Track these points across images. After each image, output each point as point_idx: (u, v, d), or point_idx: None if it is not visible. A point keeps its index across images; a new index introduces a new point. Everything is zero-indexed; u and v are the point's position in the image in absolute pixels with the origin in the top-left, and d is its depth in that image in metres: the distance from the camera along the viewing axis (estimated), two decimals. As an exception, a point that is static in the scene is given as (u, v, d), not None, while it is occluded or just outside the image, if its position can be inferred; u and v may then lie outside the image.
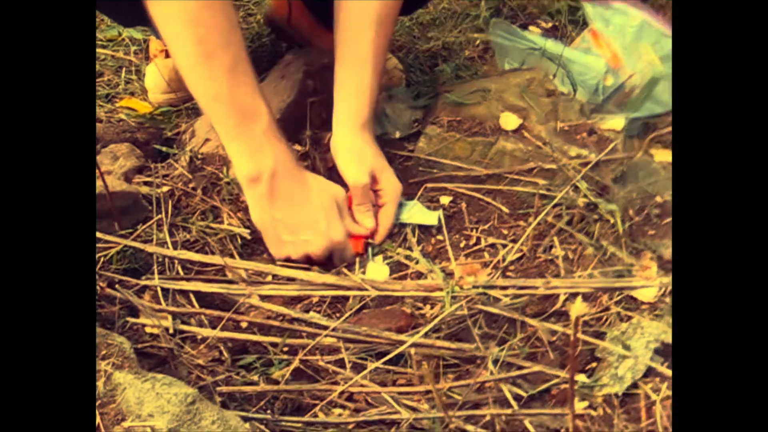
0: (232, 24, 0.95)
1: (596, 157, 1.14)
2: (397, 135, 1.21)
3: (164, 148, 1.22)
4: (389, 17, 1.10)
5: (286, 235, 1.00)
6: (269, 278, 0.99)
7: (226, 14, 0.94)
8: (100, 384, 0.70)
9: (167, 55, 1.38)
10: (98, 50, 1.55)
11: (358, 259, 1.04)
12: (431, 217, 1.10)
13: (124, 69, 1.51)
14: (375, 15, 1.08)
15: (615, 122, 1.29)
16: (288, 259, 1.02)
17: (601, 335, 0.95)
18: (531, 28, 1.68)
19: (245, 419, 0.78)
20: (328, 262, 1.02)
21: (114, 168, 1.06)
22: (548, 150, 1.14)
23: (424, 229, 1.10)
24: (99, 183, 0.99)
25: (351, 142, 1.09)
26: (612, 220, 1.09)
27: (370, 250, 1.06)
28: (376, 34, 1.08)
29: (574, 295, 0.97)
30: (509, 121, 1.18)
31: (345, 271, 0.99)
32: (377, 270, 1.02)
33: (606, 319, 0.98)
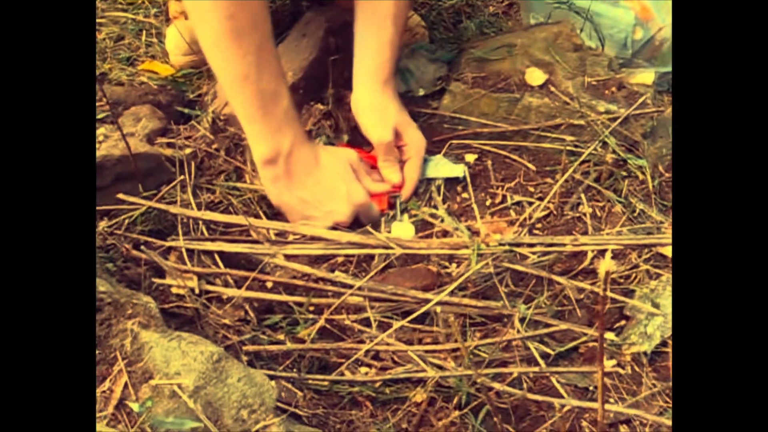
0: (261, 1, 0.93)
1: (625, 112, 1.11)
2: (421, 92, 1.19)
3: (186, 110, 1.21)
4: None
5: (310, 211, 1.00)
6: (294, 237, 0.99)
7: None
8: (127, 342, 0.71)
9: (187, 17, 1.36)
10: (118, 13, 1.54)
11: (383, 219, 1.03)
12: (457, 170, 1.08)
13: (144, 32, 1.49)
14: None
15: (645, 76, 1.25)
16: None
17: (630, 293, 0.94)
18: (557, -20, 1.63)
19: (272, 377, 0.78)
20: (356, 224, 1.01)
21: (136, 130, 1.06)
22: (576, 105, 1.11)
23: (450, 187, 1.08)
24: (122, 145, 0.99)
25: (373, 100, 1.07)
26: (641, 177, 1.06)
27: (398, 206, 1.05)
28: None
29: (602, 252, 0.95)
30: (535, 76, 1.15)
31: (370, 229, 0.98)
32: (403, 229, 1.01)
33: (635, 277, 0.97)
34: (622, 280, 0.97)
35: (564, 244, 0.94)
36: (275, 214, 1.06)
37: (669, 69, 1.40)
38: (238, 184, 1.08)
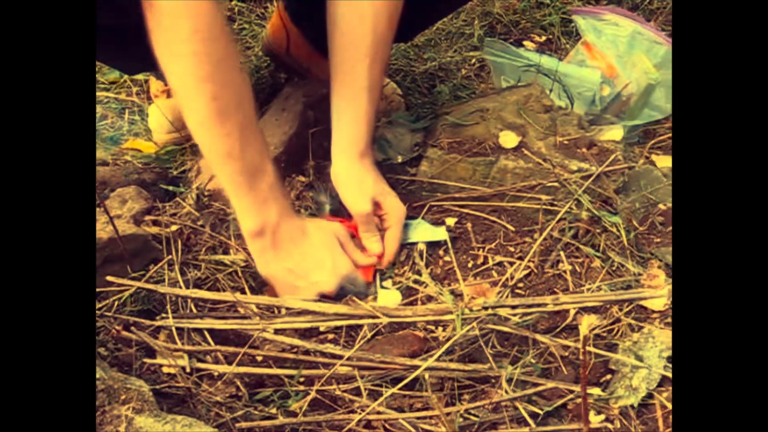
0: (244, 81, 0.97)
1: (597, 170, 1.15)
2: (399, 159, 1.22)
3: (171, 187, 1.23)
4: (384, 46, 1.11)
5: (296, 281, 1.02)
6: (282, 311, 1.01)
7: (238, 71, 0.96)
8: (122, 429, 0.71)
9: (168, 95, 1.40)
10: (100, 93, 1.58)
11: (374, 289, 1.05)
12: (438, 233, 1.11)
13: (127, 111, 1.53)
14: (370, 44, 1.09)
15: (614, 133, 1.30)
16: None
17: (613, 347, 0.96)
18: (525, 43, 1.70)
19: (266, 454, 0.79)
20: (342, 296, 1.03)
21: (123, 212, 1.08)
22: (549, 166, 1.15)
23: (432, 251, 1.11)
24: (109, 228, 1.01)
25: (351, 172, 1.11)
26: (616, 232, 1.10)
27: (378, 276, 1.07)
28: (371, 62, 1.10)
29: (584, 309, 0.98)
30: (509, 139, 1.19)
31: (356, 299, 1.00)
32: (388, 296, 1.03)
33: (617, 331, 0.99)
34: (605, 335, 0.99)
35: (545, 304, 0.96)
36: (261, 285, 1.07)
37: (637, 122, 1.45)
38: (224, 257, 1.10)
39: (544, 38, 1.73)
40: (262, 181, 1.00)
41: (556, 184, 1.13)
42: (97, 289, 1.00)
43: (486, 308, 0.93)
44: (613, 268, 1.07)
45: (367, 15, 1.08)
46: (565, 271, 1.06)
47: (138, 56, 0.96)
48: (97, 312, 0.98)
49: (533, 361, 0.94)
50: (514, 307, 0.96)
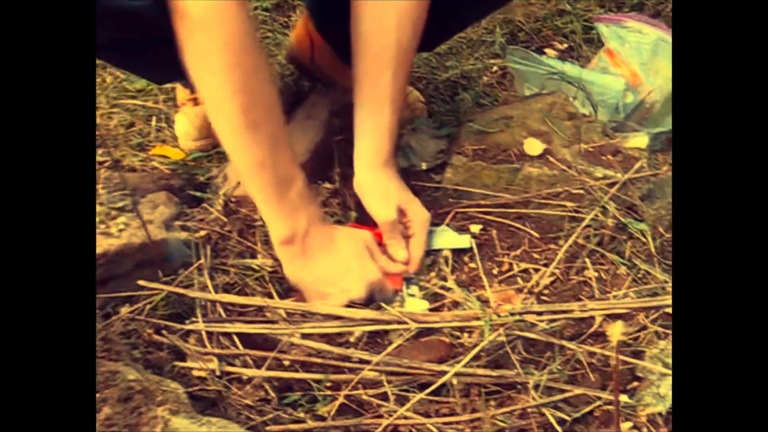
0: (274, 91, 0.98)
1: (622, 177, 1.15)
2: (424, 166, 1.23)
3: (198, 193, 1.25)
4: (407, 56, 1.12)
5: (325, 288, 1.03)
6: (310, 317, 1.02)
7: (268, 82, 0.97)
8: (158, 430, 0.73)
9: (195, 103, 1.42)
10: (128, 101, 1.61)
11: (402, 296, 1.06)
12: (463, 241, 1.11)
13: (154, 118, 1.55)
14: (393, 55, 1.10)
15: (638, 140, 1.30)
16: None
17: (640, 354, 0.96)
18: (547, 50, 1.70)
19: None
20: (370, 303, 1.04)
21: (154, 216, 1.10)
22: (574, 173, 1.16)
23: (457, 258, 1.12)
24: (141, 233, 1.03)
25: (374, 181, 1.12)
26: (643, 239, 1.10)
27: (404, 283, 1.08)
28: (394, 72, 1.11)
29: (610, 316, 0.98)
30: (533, 146, 1.20)
31: (384, 305, 1.01)
32: (415, 302, 1.04)
33: (644, 338, 0.99)
34: (631, 342, 0.99)
35: (572, 310, 0.96)
36: (288, 290, 1.09)
37: (661, 130, 1.45)
38: (251, 262, 1.11)
39: (565, 46, 1.74)
40: (292, 190, 1.01)
41: (581, 191, 1.14)
42: (129, 293, 1.02)
43: (513, 314, 0.94)
44: (639, 276, 1.07)
45: (390, 26, 1.10)
46: (590, 278, 1.06)
47: (166, 67, 0.98)
48: (129, 315, 1.00)
49: (560, 367, 0.94)
50: (540, 313, 0.96)
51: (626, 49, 1.54)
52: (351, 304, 1.02)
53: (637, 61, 1.52)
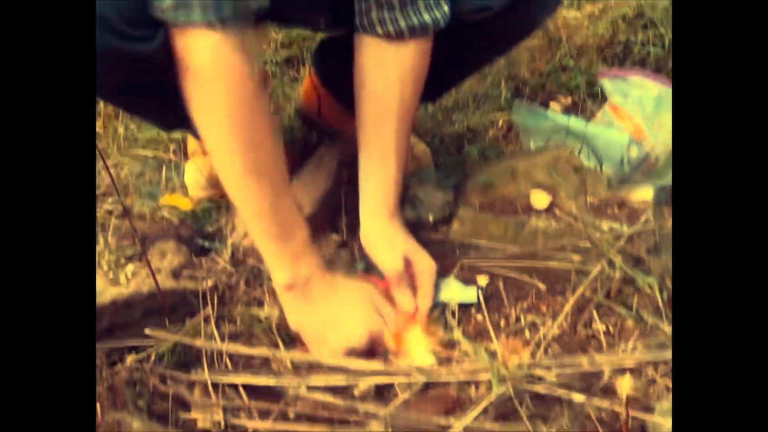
0: (277, 141, 1.00)
1: (628, 230, 1.16)
2: (431, 218, 1.24)
3: (207, 243, 1.26)
4: (410, 109, 1.15)
5: (326, 333, 1.03)
6: (316, 368, 1.01)
7: (272, 133, 0.99)
8: (163, 483, 0.72)
9: (205, 153, 1.44)
10: (139, 150, 1.63)
11: (406, 348, 1.06)
12: (469, 294, 1.11)
13: (164, 167, 1.57)
14: (396, 108, 1.13)
15: (644, 192, 1.31)
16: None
17: (649, 409, 0.95)
18: (552, 105, 1.73)
19: None
20: (370, 353, 1.03)
21: (163, 266, 1.11)
22: (580, 226, 1.16)
23: (464, 310, 1.11)
24: (150, 281, 1.03)
25: (381, 232, 1.13)
26: (650, 292, 1.10)
27: (411, 333, 1.07)
28: (398, 125, 1.13)
29: (618, 370, 0.97)
30: (540, 199, 1.21)
31: (390, 357, 1.00)
32: (422, 355, 1.03)
33: (654, 392, 0.98)
34: (641, 397, 0.98)
35: (580, 364, 0.96)
36: (294, 341, 1.08)
37: (666, 183, 1.47)
38: (258, 311, 1.11)
39: (570, 100, 1.77)
40: (294, 237, 1.02)
41: (587, 244, 1.14)
42: (136, 343, 1.02)
43: (521, 368, 0.93)
44: (647, 329, 1.06)
45: (393, 79, 1.12)
46: (598, 331, 1.06)
47: (174, 112, 0.99)
48: (135, 364, 1.00)
49: (568, 422, 0.93)
50: (548, 367, 0.96)
51: (630, 104, 1.56)
52: (352, 352, 1.01)
53: (641, 115, 1.54)
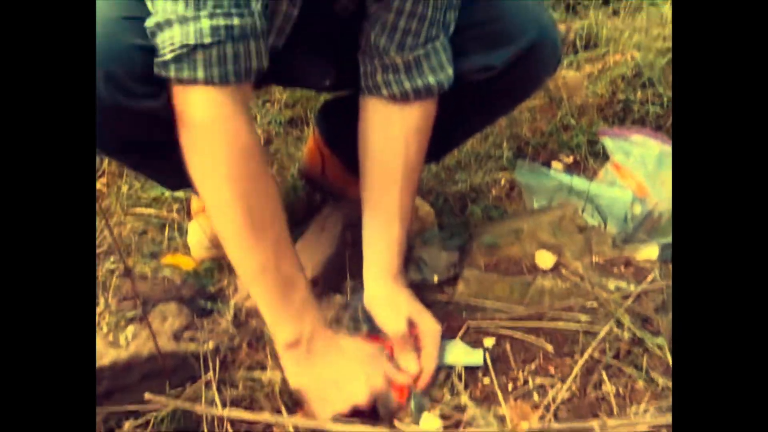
0: (276, 197, 0.99)
1: (635, 290, 1.15)
2: (436, 279, 1.23)
3: (209, 304, 1.24)
4: (414, 171, 1.15)
5: (328, 392, 1.01)
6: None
7: (271, 188, 0.99)
8: None
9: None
10: (142, 209, 1.63)
11: (409, 410, 1.03)
12: (476, 356, 1.09)
13: (167, 226, 1.57)
14: (400, 170, 1.13)
15: (649, 251, 1.31)
16: (335, 416, 1.01)
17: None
18: (554, 164, 1.74)
19: None
20: (373, 413, 1.01)
21: (164, 328, 1.09)
22: (587, 285, 1.15)
23: (471, 373, 1.09)
24: (150, 344, 1.01)
25: (384, 294, 1.12)
26: (659, 353, 1.08)
27: (413, 396, 1.05)
28: (402, 187, 1.13)
29: (631, 435, 0.95)
30: (545, 259, 1.20)
31: (397, 423, 0.98)
32: (429, 420, 1.01)
33: (667, 457, 0.95)
34: (654, 461, 0.95)
35: (591, 428, 0.93)
36: (297, 405, 1.06)
37: (670, 240, 1.46)
38: (261, 375, 1.09)
39: (571, 159, 1.78)
40: (296, 293, 1.00)
41: (595, 304, 1.13)
42: (135, 407, 0.99)
43: (531, 433, 0.91)
44: (659, 390, 1.04)
45: (397, 142, 1.13)
46: (608, 393, 1.04)
47: (180, 171, 0.99)
48: (133, 430, 0.97)
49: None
50: (558, 431, 0.93)
51: (632, 162, 1.57)
52: (355, 411, 0.99)
53: (643, 173, 1.55)
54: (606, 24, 2.26)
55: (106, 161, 1.74)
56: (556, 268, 1.19)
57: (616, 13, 2.44)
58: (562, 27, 2.22)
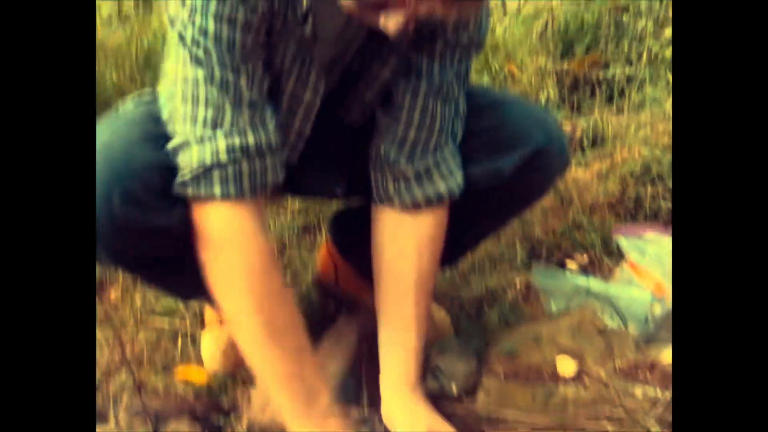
0: (294, 307, 1.01)
1: (664, 396, 1.10)
2: (454, 389, 1.19)
3: (222, 420, 1.21)
4: (428, 279, 1.14)
5: None
6: None
7: (289, 299, 1.01)
8: None
9: (223, 324, 1.42)
10: (156, 321, 1.62)
11: None
12: None
13: (180, 337, 1.55)
14: (414, 279, 1.12)
15: (673, 354, 1.27)
16: None
17: None
18: (568, 263, 1.72)
19: None
20: None
21: (176, 448, 1.05)
22: (612, 393, 1.11)
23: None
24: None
25: (402, 406, 1.10)
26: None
27: None
28: (416, 296, 1.12)
29: None
30: (566, 365, 1.17)
31: None
32: None
33: None
34: None
35: None
36: None
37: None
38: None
39: (586, 258, 1.76)
40: (320, 400, 0.99)
41: (622, 413, 1.09)
42: None
43: None
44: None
45: (411, 251, 1.13)
46: None
47: (192, 282, 1.00)
48: None
49: None
50: None
51: (648, 261, 1.55)
52: None
53: (660, 272, 1.53)
54: (611, 121, 2.30)
55: (120, 273, 1.74)
56: (578, 375, 1.16)
57: (620, 110, 2.48)
58: (567, 125, 2.25)
